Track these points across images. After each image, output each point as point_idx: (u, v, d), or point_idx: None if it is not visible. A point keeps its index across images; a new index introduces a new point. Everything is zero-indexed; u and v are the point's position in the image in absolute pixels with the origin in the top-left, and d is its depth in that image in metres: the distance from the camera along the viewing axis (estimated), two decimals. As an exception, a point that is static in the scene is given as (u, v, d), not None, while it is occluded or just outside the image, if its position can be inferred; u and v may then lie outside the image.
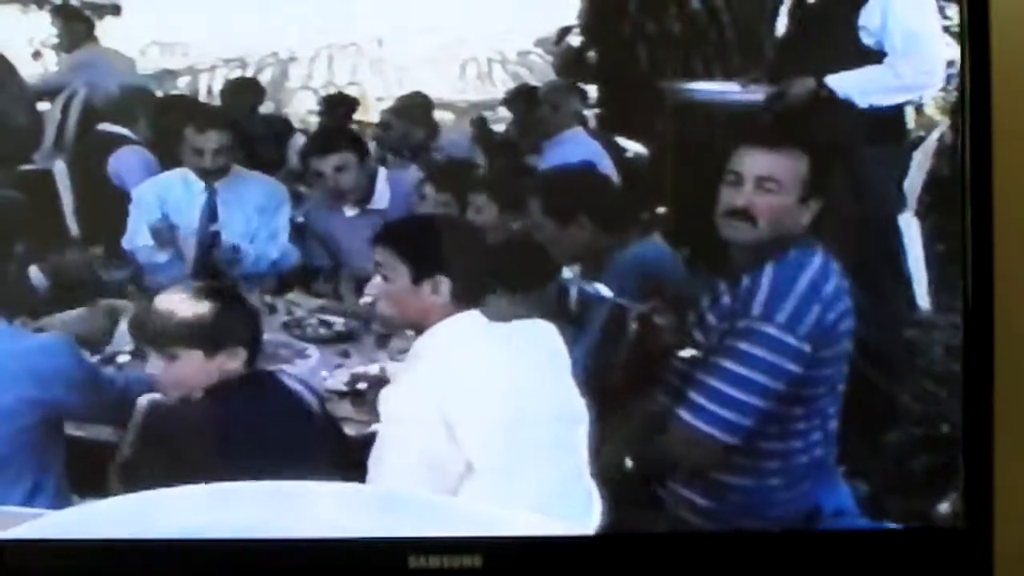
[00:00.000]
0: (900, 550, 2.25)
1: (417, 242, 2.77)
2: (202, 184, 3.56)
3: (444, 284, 2.71)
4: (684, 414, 2.79)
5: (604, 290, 3.01)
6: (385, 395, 2.62)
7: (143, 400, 2.79)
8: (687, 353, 2.84)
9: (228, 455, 2.55)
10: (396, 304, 2.75)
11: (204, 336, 2.70)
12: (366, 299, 2.82)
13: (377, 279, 2.75)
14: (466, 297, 2.69)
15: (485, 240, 3.14)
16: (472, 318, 2.68)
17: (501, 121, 3.59)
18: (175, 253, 3.56)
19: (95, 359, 3.11)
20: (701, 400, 2.77)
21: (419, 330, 2.70)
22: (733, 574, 2.28)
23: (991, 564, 2.17)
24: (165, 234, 3.53)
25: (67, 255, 3.40)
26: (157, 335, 2.72)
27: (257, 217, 3.59)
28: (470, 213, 3.32)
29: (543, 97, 3.51)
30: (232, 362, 2.72)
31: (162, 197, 3.56)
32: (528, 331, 2.72)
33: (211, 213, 3.58)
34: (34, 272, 3.24)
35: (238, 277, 3.46)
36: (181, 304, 2.73)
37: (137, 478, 2.56)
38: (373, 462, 2.56)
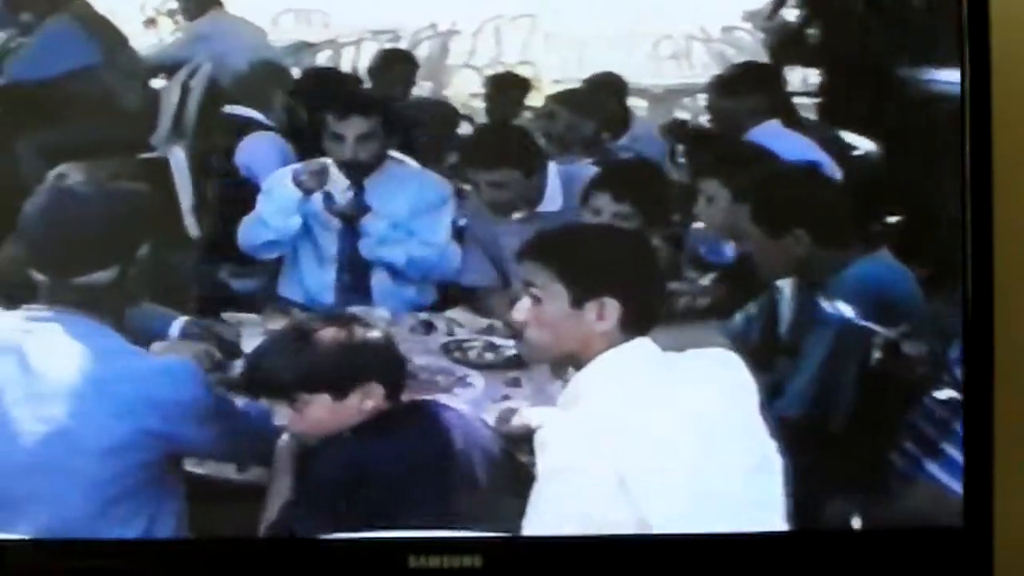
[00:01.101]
0: (900, 550, 2.21)
1: (578, 256, 2.41)
2: (347, 181, 3.23)
3: (612, 307, 2.32)
4: (933, 468, 2.44)
5: (842, 308, 2.70)
6: (542, 440, 2.28)
7: (284, 439, 2.52)
8: (945, 394, 2.48)
9: (387, 498, 2.35)
10: (550, 331, 2.38)
11: (327, 377, 2.43)
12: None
13: (526, 300, 2.39)
14: (637, 323, 2.33)
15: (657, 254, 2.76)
16: (643, 347, 2.33)
17: (699, 111, 3.25)
18: (317, 258, 3.24)
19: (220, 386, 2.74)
20: (955, 453, 2.42)
21: (577, 364, 2.36)
22: (733, 574, 2.24)
23: (991, 564, 2.16)
24: (309, 182, 3.18)
25: (183, 259, 3.13)
26: (272, 381, 2.47)
27: (410, 220, 3.26)
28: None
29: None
30: (369, 400, 2.44)
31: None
32: (710, 362, 2.38)
33: (354, 214, 3.26)
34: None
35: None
36: (295, 342, 2.48)
37: (302, 519, 2.36)
38: (530, 514, 2.27)
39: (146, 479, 2.42)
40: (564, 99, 3.25)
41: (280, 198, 3.21)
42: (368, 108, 3.17)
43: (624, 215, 2.99)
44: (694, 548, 2.19)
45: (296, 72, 3.35)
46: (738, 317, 2.89)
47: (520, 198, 3.17)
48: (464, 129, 3.34)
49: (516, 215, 3.21)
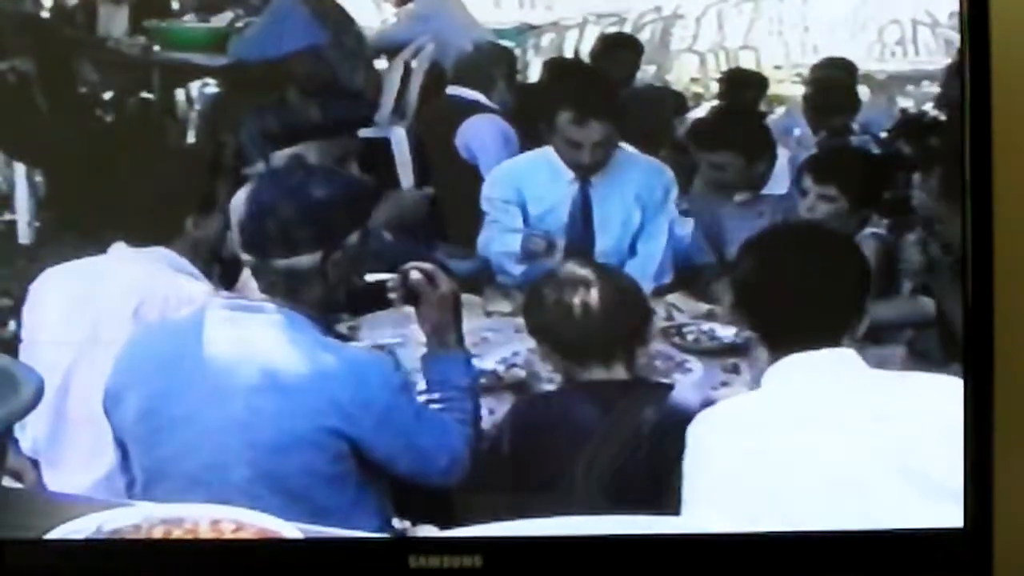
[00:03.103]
0: (900, 550, 2.16)
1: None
2: (572, 174, 3.16)
3: None
4: None
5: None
6: (699, 427, 2.24)
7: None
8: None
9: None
10: None
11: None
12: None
13: None
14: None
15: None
16: (842, 358, 2.24)
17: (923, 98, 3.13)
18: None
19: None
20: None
21: None
22: (732, 574, 2.20)
23: (991, 564, 2.13)
24: (537, 247, 3.14)
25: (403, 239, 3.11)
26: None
27: (638, 210, 3.18)
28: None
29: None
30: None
31: (518, 186, 3.19)
32: (933, 388, 2.23)
33: (584, 211, 3.18)
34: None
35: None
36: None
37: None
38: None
39: (340, 473, 2.37)
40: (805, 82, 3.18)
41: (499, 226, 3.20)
42: (607, 113, 3.09)
43: (829, 197, 2.93)
44: (694, 548, 2.17)
45: (519, 53, 3.34)
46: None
47: (742, 181, 3.12)
48: (694, 111, 3.28)
49: (737, 197, 3.16)
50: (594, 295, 2.56)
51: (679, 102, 3.28)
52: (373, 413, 2.33)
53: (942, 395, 2.20)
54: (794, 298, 2.28)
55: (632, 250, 3.20)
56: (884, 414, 2.18)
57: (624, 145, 3.14)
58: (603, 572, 2.18)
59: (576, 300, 2.55)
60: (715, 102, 3.25)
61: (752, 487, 2.16)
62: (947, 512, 2.11)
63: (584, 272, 2.64)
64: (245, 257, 2.39)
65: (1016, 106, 2.20)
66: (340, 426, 2.31)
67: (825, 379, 2.22)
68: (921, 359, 2.64)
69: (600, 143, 3.09)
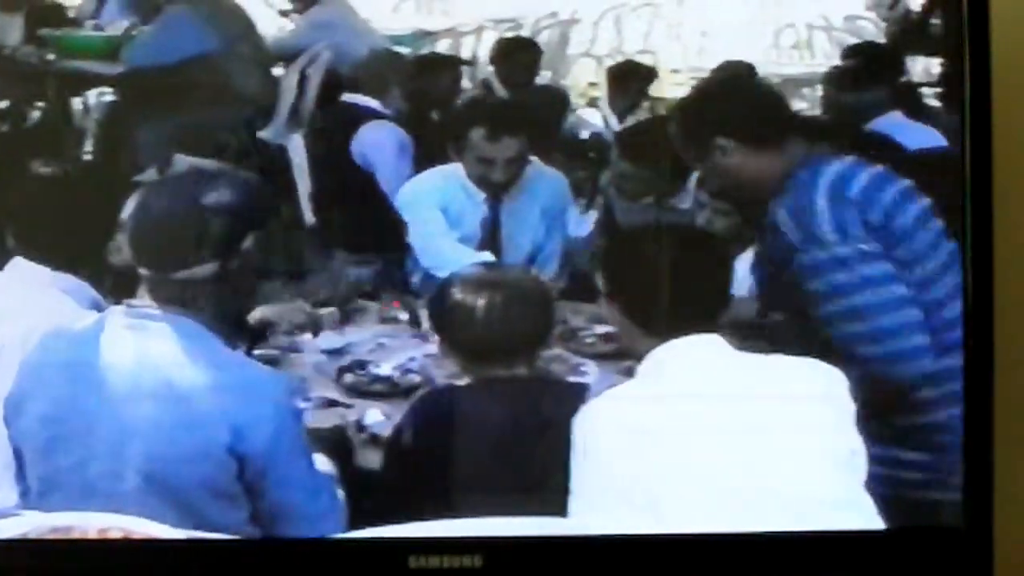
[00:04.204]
0: (900, 550, 2.21)
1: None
2: (483, 195, 3.18)
3: None
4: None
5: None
6: (583, 418, 2.27)
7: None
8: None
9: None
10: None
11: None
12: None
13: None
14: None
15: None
16: (711, 343, 2.29)
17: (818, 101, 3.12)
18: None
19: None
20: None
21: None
22: (731, 574, 2.23)
23: (991, 564, 2.17)
24: None
25: (300, 246, 3.13)
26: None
27: (543, 225, 3.22)
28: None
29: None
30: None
31: (445, 205, 3.20)
32: (800, 372, 2.27)
33: (493, 231, 3.21)
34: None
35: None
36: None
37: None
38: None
39: (232, 492, 2.32)
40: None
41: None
42: (519, 127, 3.08)
43: (724, 211, 2.94)
44: (695, 548, 2.18)
45: (415, 60, 3.34)
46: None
47: (652, 190, 3.11)
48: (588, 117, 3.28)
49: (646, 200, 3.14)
50: (500, 296, 2.55)
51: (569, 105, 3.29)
52: (264, 434, 2.28)
53: (803, 375, 2.26)
54: (664, 288, 2.33)
55: (532, 259, 3.21)
56: (751, 394, 2.23)
57: (533, 158, 3.14)
58: (603, 572, 2.20)
59: (482, 300, 2.55)
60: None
61: (637, 476, 2.17)
62: (827, 482, 2.14)
63: (493, 274, 2.67)
64: (141, 271, 2.34)
65: (1016, 106, 2.25)
66: (232, 442, 2.26)
67: (695, 363, 2.26)
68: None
69: (513, 159, 3.08)
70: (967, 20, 2.17)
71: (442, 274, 2.83)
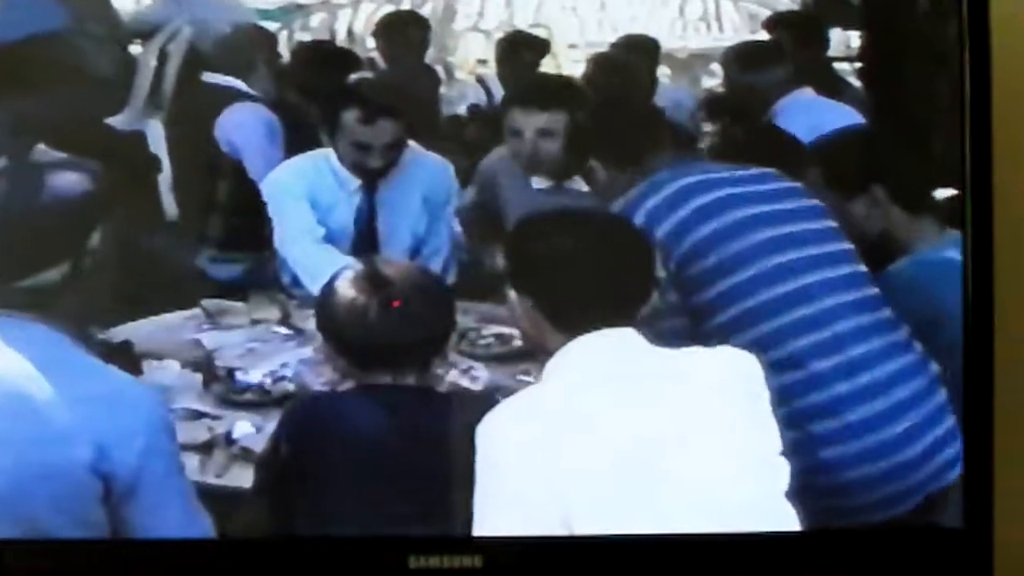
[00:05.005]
0: (900, 550, 2.24)
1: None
2: (357, 182, 3.06)
3: None
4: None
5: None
6: (487, 428, 2.15)
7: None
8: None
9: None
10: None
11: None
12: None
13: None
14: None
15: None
16: (624, 338, 2.19)
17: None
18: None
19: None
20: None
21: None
22: (731, 574, 2.21)
23: (991, 564, 2.19)
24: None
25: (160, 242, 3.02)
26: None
27: (425, 214, 3.11)
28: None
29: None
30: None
31: (313, 196, 3.06)
32: (716, 362, 2.22)
33: (369, 221, 3.10)
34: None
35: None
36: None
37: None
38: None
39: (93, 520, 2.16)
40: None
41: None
42: (396, 110, 2.95)
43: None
44: (695, 548, 2.16)
45: (285, 36, 3.25)
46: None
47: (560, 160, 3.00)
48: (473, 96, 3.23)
49: (537, 184, 3.06)
50: (395, 295, 2.41)
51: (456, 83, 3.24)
52: (133, 450, 2.12)
53: (720, 368, 2.20)
54: (576, 280, 2.21)
55: (415, 253, 3.09)
56: (668, 387, 2.16)
57: (411, 143, 3.02)
58: (603, 572, 2.21)
59: (373, 301, 2.40)
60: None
61: (546, 481, 2.06)
62: (742, 482, 2.09)
63: (388, 272, 2.48)
64: None
65: (1016, 106, 2.23)
66: (95, 460, 2.09)
67: (608, 359, 2.17)
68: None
69: (391, 144, 2.95)
70: (967, 20, 2.15)
71: (312, 288, 2.73)
